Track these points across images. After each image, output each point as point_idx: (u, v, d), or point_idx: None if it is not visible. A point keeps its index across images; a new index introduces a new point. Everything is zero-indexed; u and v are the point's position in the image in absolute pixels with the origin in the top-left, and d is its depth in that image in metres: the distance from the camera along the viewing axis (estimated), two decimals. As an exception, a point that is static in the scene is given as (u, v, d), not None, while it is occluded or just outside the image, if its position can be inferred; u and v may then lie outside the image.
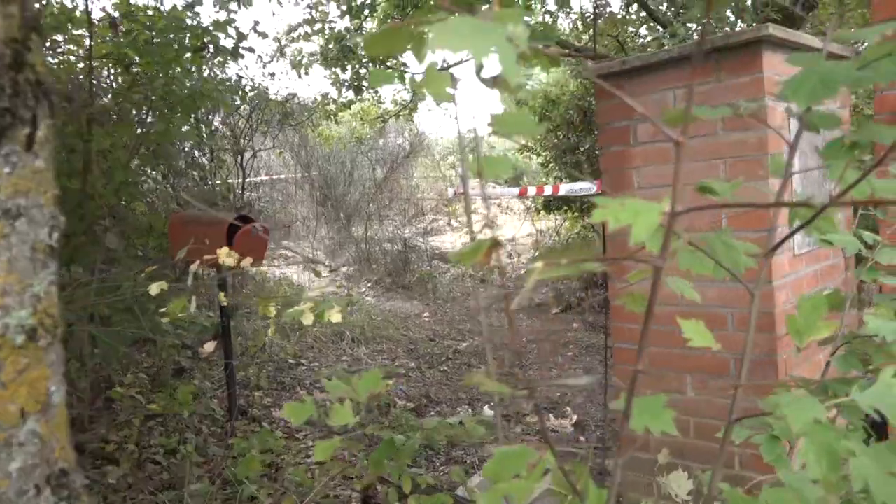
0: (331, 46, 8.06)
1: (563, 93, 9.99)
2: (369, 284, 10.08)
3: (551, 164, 10.23)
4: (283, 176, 12.03)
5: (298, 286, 9.49)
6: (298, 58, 9.36)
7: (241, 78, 6.57)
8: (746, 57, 2.62)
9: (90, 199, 4.32)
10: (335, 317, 2.81)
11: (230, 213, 4.37)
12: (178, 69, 4.61)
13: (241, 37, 5.80)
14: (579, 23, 9.89)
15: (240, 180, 7.79)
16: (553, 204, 10.24)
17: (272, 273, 10.02)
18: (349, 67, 8.46)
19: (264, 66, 9.17)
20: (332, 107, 9.36)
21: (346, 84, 8.68)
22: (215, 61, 5.89)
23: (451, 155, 24.00)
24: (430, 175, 19.49)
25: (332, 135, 10.41)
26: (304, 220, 12.99)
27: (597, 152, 8.96)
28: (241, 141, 7.71)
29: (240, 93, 6.11)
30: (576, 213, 10.56)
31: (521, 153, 10.65)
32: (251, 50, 5.94)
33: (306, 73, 9.39)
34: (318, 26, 7.99)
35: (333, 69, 8.59)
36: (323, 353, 6.36)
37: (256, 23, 5.86)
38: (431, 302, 8.98)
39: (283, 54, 9.38)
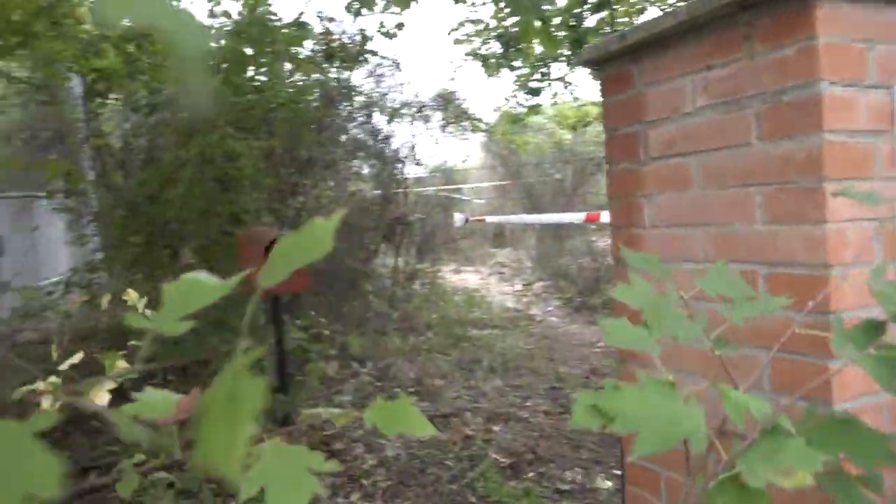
0: (489, 46, 7.41)
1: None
2: (556, 304, 9.27)
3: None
4: (484, 184, 11.67)
5: (476, 296, 9.03)
6: (491, 59, 8.85)
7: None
8: (790, 15, 1.54)
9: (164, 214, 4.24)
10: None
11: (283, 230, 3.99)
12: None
13: (365, 39, 5.46)
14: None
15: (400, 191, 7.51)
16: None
17: (450, 279, 9.68)
18: (524, 67, 7.74)
19: (454, 71, 8.76)
20: (520, 110, 8.70)
21: (523, 86, 7.97)
22: (338, 67, 5.62)
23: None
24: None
25: (528, 140, 9.76)
26: (512, 230, 12.50)
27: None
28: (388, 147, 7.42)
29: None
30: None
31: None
32: (374, 53, 5.58)
33: (495, 75, 8.85)
34: (482, 25, 7.39)
35: (512, 69, 7.92)
36: (450, 383, 5.78)
37: (382, 24, 5.49)
38: (614, 328, 7.92)
39: (475, 56, 8.94)
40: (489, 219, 6.50)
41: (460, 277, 11.15)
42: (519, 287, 10.40)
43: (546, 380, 6.00)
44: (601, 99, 2.09)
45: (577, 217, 4.70)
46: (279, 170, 5.16)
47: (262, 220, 4.70)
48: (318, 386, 4.63)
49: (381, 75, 8.02)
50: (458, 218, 5.21)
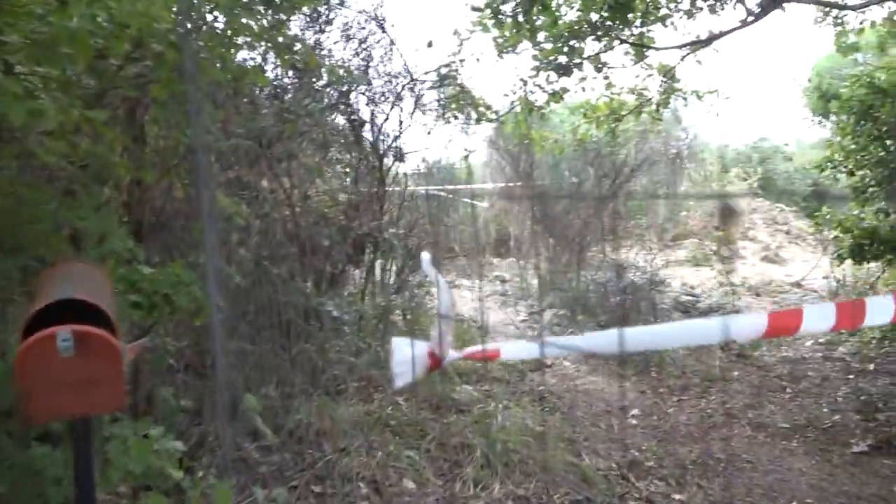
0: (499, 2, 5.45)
1: (902, 78, 6.35)
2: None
3: (871, 189, 6.61)
4: (489, 185, 9.82)
5: (470, 329, 7.10)
6: (505, 32, 6.90)
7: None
8: None
9: None
10: None
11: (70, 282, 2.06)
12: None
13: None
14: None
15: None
16: (871, 249, 6.64)
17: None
18: (546, 42, 5.86)
19: (459, 44, 6.83)
20: (539, 96, 6.80)
21: (548, 63, 6.07)
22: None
23: (739, 166, 19.88)
24: (699, 190, 16.01)
25: (544, 136, 7.87)
26: (517, 242, 10.60)
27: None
28: (380, 139, 5.53)
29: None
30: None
31: (822, 169, 7.12)
32: None
33: (510, 53, 6.93)
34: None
35: (532, 38, 6.04)
36: (423, 489, 3.87)
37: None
38: (652, 387, 6.02)
39: (485, 27, 7.02)
40: (510, 352, 3.77)
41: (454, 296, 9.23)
42: (524, 315, 8.50)
43: (565, 481, 4.11)
44: None
45: (742, 329, 2.41)
46: (148, 161, 3.27)
47: (105, 248, 2.79)
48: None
49: (362, 39, 6.14)
50: (394, 357, 2.68)
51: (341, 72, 5.16)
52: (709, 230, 14.66)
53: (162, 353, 3.35)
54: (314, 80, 5.93)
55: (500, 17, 5.74)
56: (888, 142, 6.51)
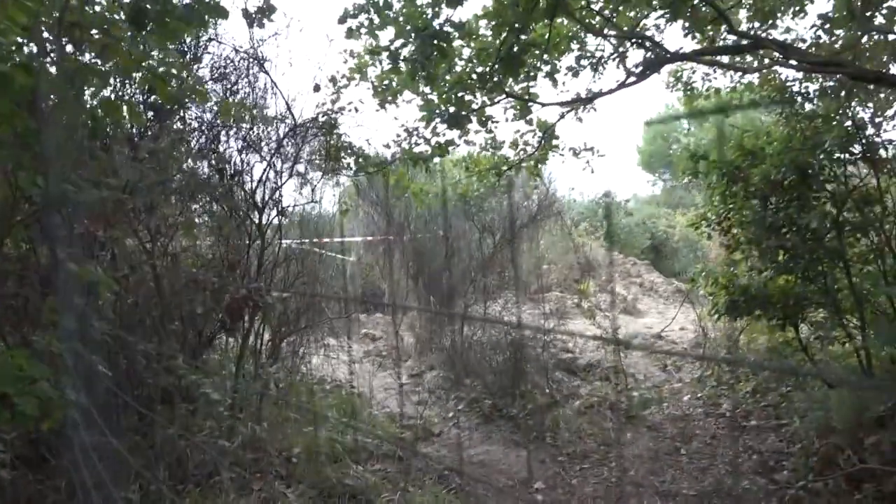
0: (398, 46, 5.09)
1: (768, 142, 6.64)
2: (460, 407, 6.96)
3: (743, 246, 6.81)
4: (357, 238, 9.36)
5: (350, 397, 6.52)
6: (385, 81, 6.55)
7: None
8: None
9: None
10: None
11: None
12: None
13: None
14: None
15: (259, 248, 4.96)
16: (744, 305, 6.79)
17: (314, 364, 7.11)
18: (440, 85, 5.59)
19: (337, 91, 6.39)
20: (423, 148, 6.49)
21: (440, 114, 5.79)
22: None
23: (587, 220, 20.70)
24: (558, 244, 16.36)
25: (424, 189, 7.56)
26: (390, 297, 10.14)
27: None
28: (260, 190, 4.95)
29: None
30: (776, 320, 7.02)
31: (696, 227, 7.29)
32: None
33: (392, 103, 6.59)
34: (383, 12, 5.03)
35: (421, 92, 5.77)
36: None
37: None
38: (551, 455, 5.71)
39: (363, 75, 6.64)
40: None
41: (325, 359, 8.57)
42: (405, 378, 8.01)
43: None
44: None
45: None
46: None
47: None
48: None
49: (235, 80, 5.54)
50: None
51: (253, 111, 4.53)
52: (570, 283, 14.95)
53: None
54: (178, 122, 5.28)
55: (397, 62, 5.35)
56: (755, 202, 6.74)
